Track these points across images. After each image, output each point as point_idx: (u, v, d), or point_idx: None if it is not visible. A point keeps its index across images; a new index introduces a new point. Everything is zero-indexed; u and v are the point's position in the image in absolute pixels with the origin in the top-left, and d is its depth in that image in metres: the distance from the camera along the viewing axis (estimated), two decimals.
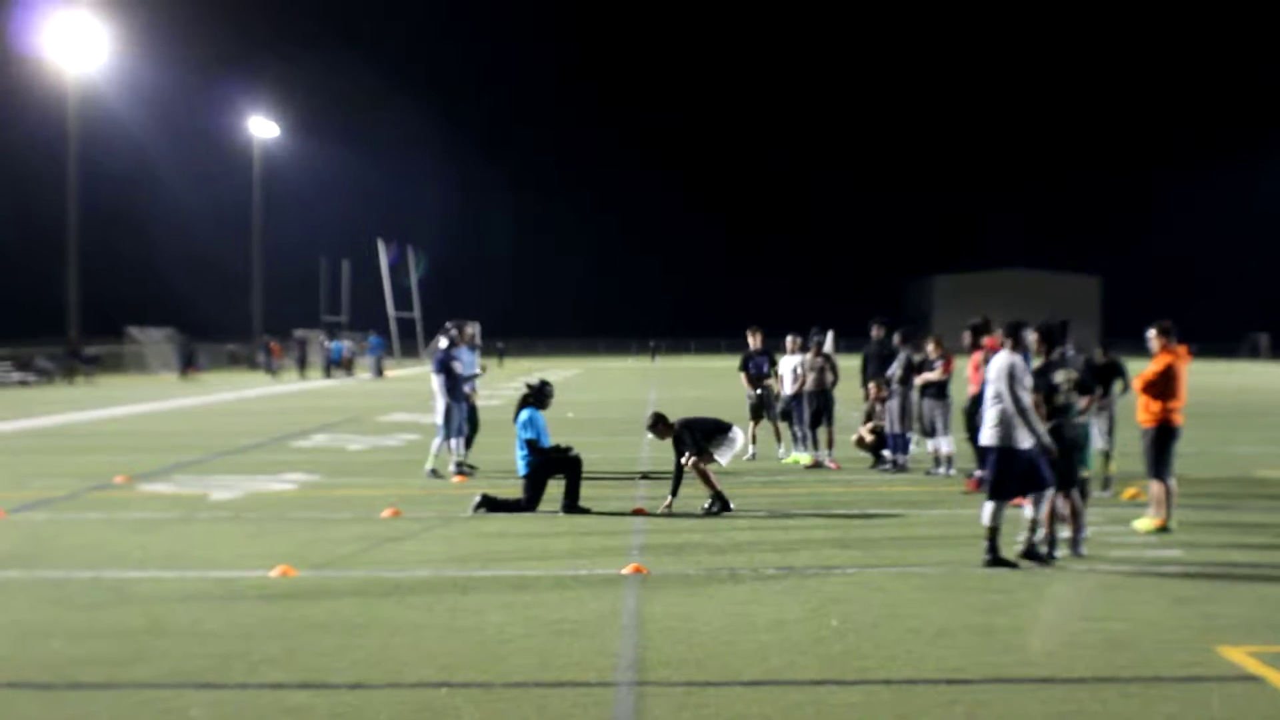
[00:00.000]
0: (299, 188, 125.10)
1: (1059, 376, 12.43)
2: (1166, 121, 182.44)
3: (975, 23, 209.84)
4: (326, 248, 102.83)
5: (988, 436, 12.08)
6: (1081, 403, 12.56)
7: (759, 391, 22.35)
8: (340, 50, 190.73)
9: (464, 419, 19.92)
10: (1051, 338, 12.73)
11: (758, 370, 22.41)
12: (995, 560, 11.83)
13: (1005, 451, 11.93)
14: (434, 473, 19.45)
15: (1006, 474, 11.95)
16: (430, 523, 14.81)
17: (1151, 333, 14.14)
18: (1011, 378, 11.86)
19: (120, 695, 7.85)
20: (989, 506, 11.91)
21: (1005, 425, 11.91)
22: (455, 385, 19.74)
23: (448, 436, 19.61)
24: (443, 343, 20.55)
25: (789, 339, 21.76)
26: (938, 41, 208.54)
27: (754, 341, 22.34)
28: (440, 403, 19.66)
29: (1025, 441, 11.87)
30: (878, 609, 10.16)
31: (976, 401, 17.00)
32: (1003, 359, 12.07)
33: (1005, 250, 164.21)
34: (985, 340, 17.03)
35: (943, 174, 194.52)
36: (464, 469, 19.63)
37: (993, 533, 11.87)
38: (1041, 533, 12.14)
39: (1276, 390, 50.06)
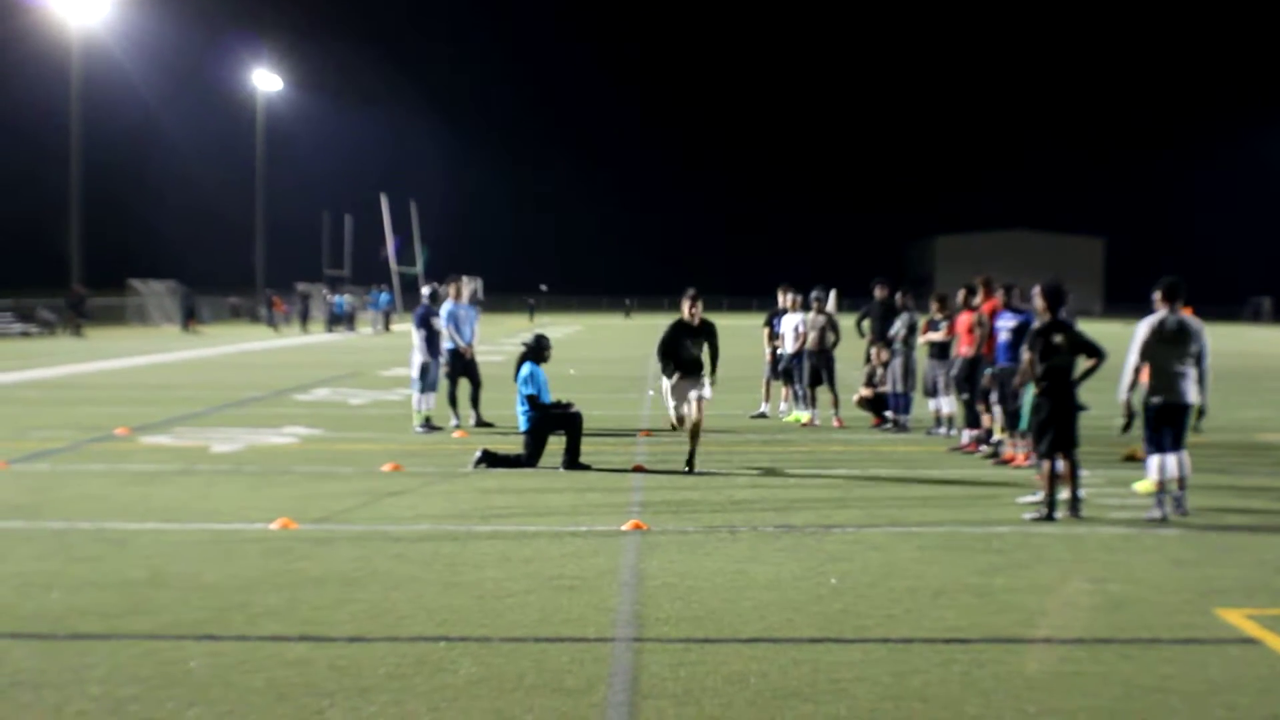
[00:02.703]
0: (302, 141, 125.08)
1: (1058, 338, 12.40)
2: (1172, 84, 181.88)
3: None
4: (329, 202, 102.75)
5: (1194, 394, 12.45)
6: (1086, 364, 12.52)
7: (772, 349, 22.35)
8: (344, 5, 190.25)
9: (439, 375, 20.10)
10: (1056, 299, 12.70)
11: (776, 329, 22.41)
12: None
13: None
14: (428, 421, 19.58)
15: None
16: (430, 478, 14.82)
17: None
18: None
19: (119, 646, 7.86)
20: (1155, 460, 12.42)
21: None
22: (434, 341, 19.91)
23: (423, 391, 19.77)
24: (425, 296, 20.62)
25: (790, 296, 21.78)
26: (943, 2, 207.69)
27: (783, 300, 22.24)
28: (418, 358, 19.81)
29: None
30: (876, 568, 10.17)
31: (971, 364, 16.95)
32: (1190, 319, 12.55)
33: (1009, 211, 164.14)
34: (983, 303, 16.90)
35: (946, 134, 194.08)
36: (433, 425, 19.71)
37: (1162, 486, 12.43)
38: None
39: (1278, 355, 50.00)
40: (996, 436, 16.60)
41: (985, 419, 16.79)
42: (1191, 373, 12.44)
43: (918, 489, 14.29)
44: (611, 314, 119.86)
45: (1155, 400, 12.40)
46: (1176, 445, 12.39)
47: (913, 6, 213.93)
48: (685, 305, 15.66)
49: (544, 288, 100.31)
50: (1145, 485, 13.66)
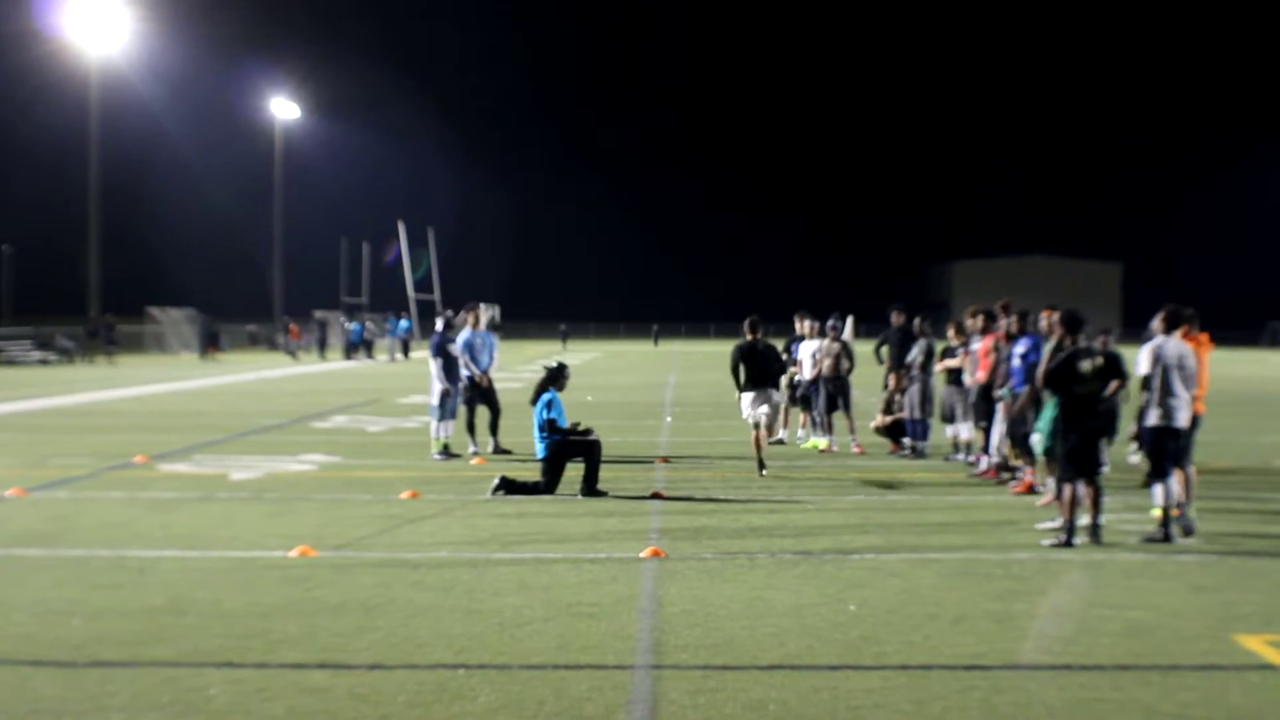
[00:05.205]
0: (320, 169, 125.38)
1: (1084, 365, 12.39)
2: (1190, 107, 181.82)
3: (997, 6, 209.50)
4: (347, 229, 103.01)
5: (1152, 418, 12.70)
6: (1110, 387, 12.55)
7: (789, 376, 22.33)
8: (361, 32, 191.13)
9: (458, 403, 20.14)
10: (1075, 325, 12.72)
11: (794, 355, 22.40)
12: (1168, 537, 12.47)
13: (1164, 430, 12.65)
14: (446, 449, 19.63)
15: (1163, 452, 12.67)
16: (449, 504, 14.84)
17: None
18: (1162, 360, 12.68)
19: (140, 674, 7.88)
20: (1160, 487, 12.56)
21: (1165, 406, 12.62)
22: (452, 368, 19.95)
23: (441, 419, 19.80)
24: (439, 325, 20.64)
25: (807, 323, 21.81)
26: (961, 26, 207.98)
27: (800, 326, 22.25)
28: (437, 386, 19.82)
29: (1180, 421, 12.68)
30: (895, 595, 10.15)
31: (985, 389, 16.92)
32: (1155, 344, 12.77)
33: (1026, 236, 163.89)
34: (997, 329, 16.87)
35: (964, 160, 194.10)
36: (451, 453, 19.76)
37: (1166, 513, 12.52)
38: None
39: None
40: (1014, 462, 16.56)
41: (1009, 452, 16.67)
42: (1186, 397, 12.71)
43: (936, 515, 14.27)
44: (630, 341, 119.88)
45: (1152, 423, 12.58)
46: (1173, 467, 12.60)
47: (931, 32, 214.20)
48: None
49: (563, 327, 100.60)
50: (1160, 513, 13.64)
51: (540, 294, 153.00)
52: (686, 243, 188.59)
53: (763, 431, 18.12)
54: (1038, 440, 14.38)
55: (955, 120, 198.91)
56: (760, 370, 18.16)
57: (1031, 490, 15.50)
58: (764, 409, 18.10)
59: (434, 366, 19.98)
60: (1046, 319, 15.36)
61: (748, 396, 18.16)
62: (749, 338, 18.28)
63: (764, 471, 17.69)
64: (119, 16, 66.66)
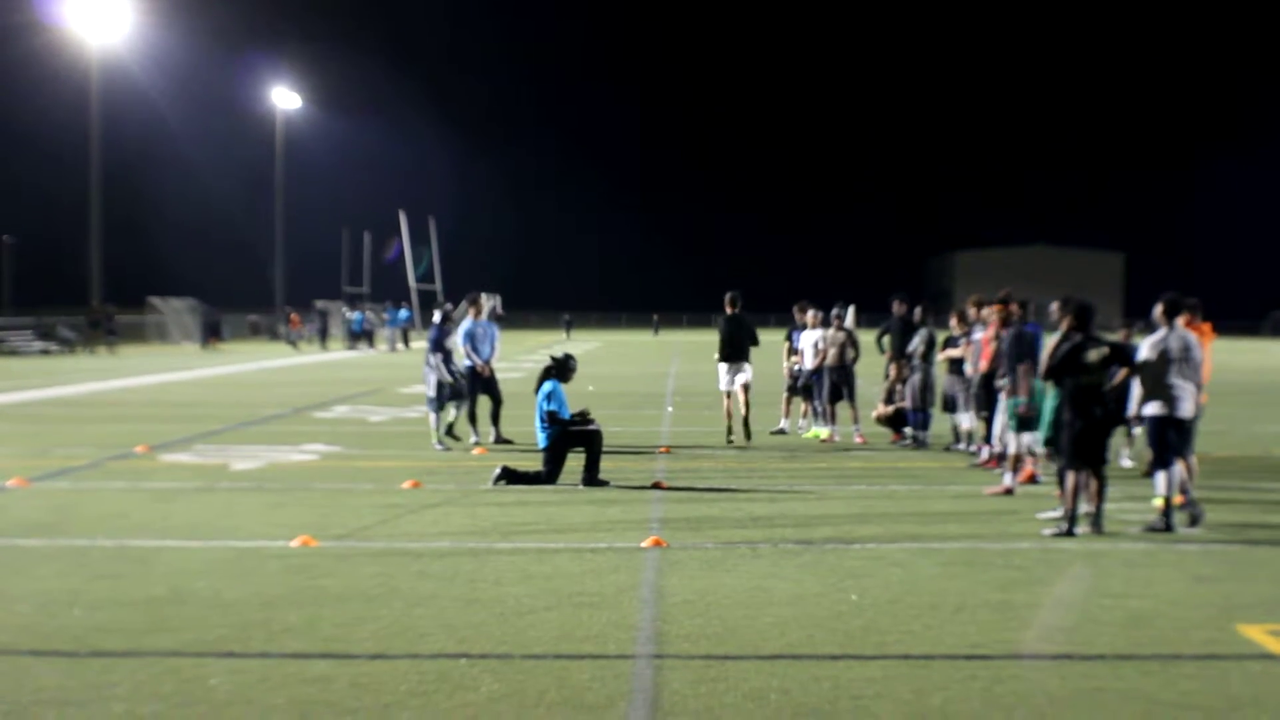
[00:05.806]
0: (321, 159, 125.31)
1: (1091, 355, 12.37)
2: (1193, 98, 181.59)
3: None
4: (348, 219, 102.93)
5: (1152, 408, 12.71)
6: (1119, 375, 12.54)
7: (790, 365, 22.34)
8: (362, 23, 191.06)
9: (451, 394, 20.12)
10: (1086, 316, 12.68)
11: (795, 345, 22.40)
12: (1170, 528, 12.47)
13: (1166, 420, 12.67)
14: (448, 430, 19.65)
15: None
16: (450, 494, 14.84)
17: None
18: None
19: (141, 663, 7.88)
20: (1162, 477, 12.56)
21: (1167, 396, 12.63)
22: (450, 364, 19.92)
23: (440, 409, 19.77)
24: (436, 318, 20.58)
25: (810, 313, 21.77)
26: (963, 17, 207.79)
27: (800, 316, 22.21)
28: (433, 378, 19.75)
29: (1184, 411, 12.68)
30: (896, 584, 10.15)
31: (987, 379, 16.88)
32: (1159, 336, 12.76)
33: (1029, 227, 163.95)
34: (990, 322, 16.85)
35: (967, 150, 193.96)
36: (453, 434, 19.83)
37: (1168, 502, 12.53)
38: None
39: None
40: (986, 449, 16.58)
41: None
42: (1190, 388, 12.68)
43: (937, 505, 14.27)
44: (632, 331, 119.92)
45: (1155, 413, 12.57)
46: (1176, 457, 12.60)
47: (934, 24, 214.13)
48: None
49: (567, 317, 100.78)
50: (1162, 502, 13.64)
51: (542, 284, 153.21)
52: (687, 234, 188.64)
53: (737, 402, 20.31)
54: (1011, 434, 14.54)
55: (959, 111, 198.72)
56: (734, 343, 20.46)
57: (1009, 492, 15.27)
58: (738, 378, 20.34)
59: (433, 360, 19.92)
60: (996, 313, 15.57)
61: (723, 367, 20.54)
62: (728, 311, 20.77)
63: (732, 439, 20.19)
64: (120, 6, 66.57)
